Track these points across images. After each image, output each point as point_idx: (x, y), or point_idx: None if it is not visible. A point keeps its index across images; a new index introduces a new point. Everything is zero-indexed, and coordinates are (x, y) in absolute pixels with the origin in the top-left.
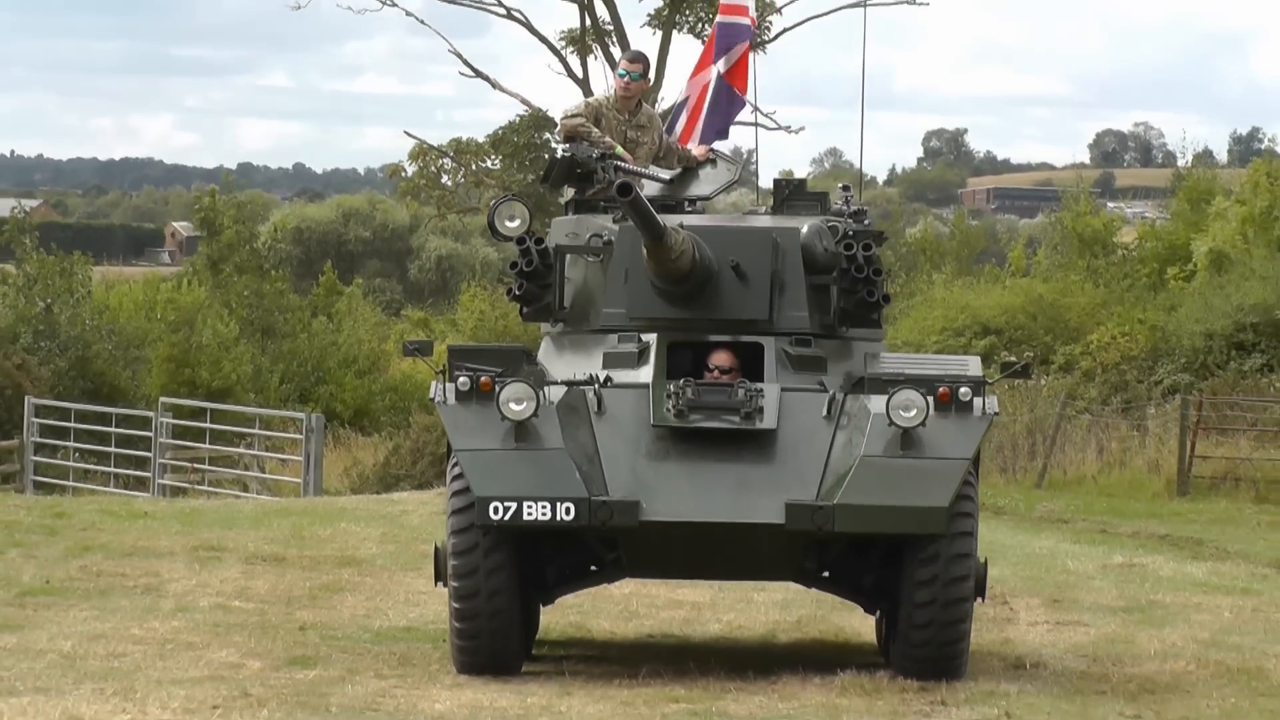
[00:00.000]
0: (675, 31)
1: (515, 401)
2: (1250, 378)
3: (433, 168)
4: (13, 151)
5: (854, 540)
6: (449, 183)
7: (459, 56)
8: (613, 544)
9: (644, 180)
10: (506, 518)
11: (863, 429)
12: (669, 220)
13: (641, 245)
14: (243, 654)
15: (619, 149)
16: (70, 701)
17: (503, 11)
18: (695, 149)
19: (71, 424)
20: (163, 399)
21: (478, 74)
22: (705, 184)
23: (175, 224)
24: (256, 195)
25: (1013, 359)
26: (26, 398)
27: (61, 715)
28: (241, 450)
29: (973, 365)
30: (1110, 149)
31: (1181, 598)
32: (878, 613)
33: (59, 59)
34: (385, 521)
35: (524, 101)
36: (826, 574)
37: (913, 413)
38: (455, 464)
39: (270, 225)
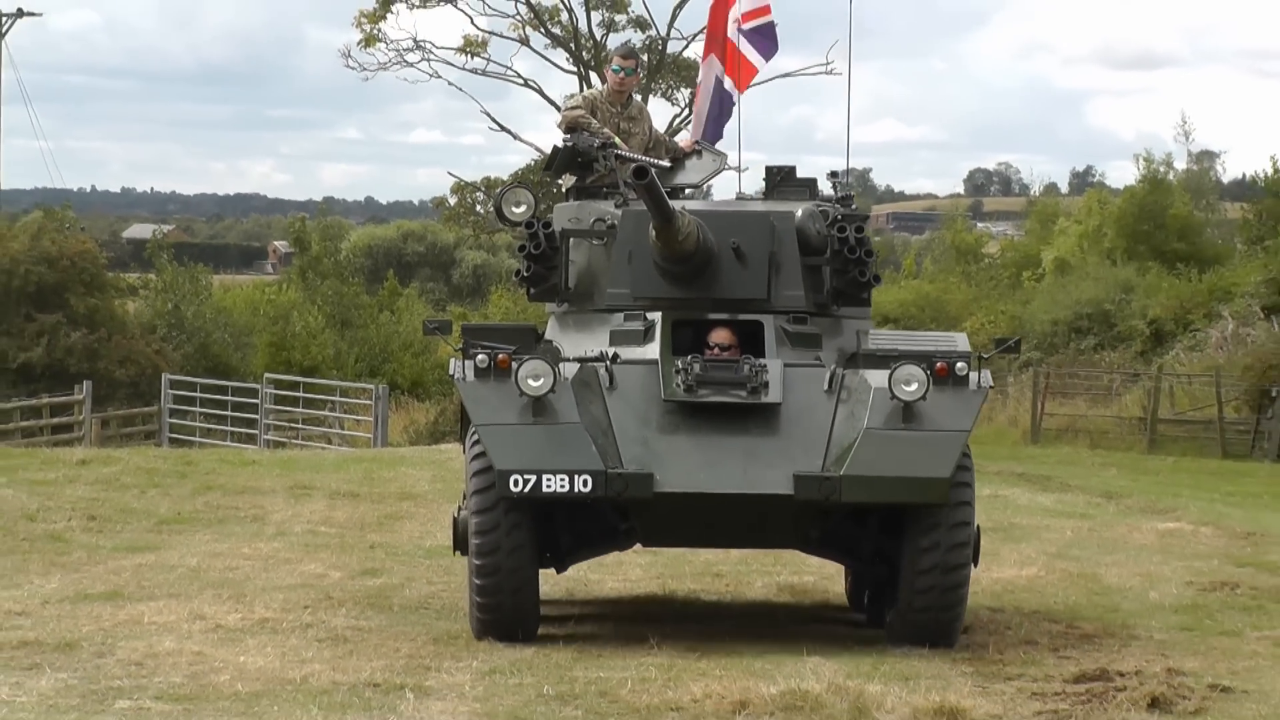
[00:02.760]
0: (651, 96)
1: (533, 378)
2: (1085, 354)
3: (469, 199)
4: (152, 188)
5: (856, 509)
6: (481, 210)
7: (488, 115)
8: (626, 513)
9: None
10: (526, 489)
11: (864, 402)
12: (674, 204)
13: (645, 228)
14: (326, 566)
15: (616, 139)
16: (195, 604)
17: (520, 81)
18: (682, 141)
19: (197, 394)
20: (266, 374)
21: (502, 128)
22: (692, 173)
23: (276, 242)
24: (336, 220)
25: (1005, 336)
26: (163, 374)
27: (189, 615)
28: (325, 413)
29: (960, 341)
30: (979, 182)
31: (1034, 520)
32: (847, 573)
33: (187, 118)
34: (435, 466)
35: (537, 149)
36: (828, 541)
37: (914, 386)
38: (475, 438)
39: (347, 243)
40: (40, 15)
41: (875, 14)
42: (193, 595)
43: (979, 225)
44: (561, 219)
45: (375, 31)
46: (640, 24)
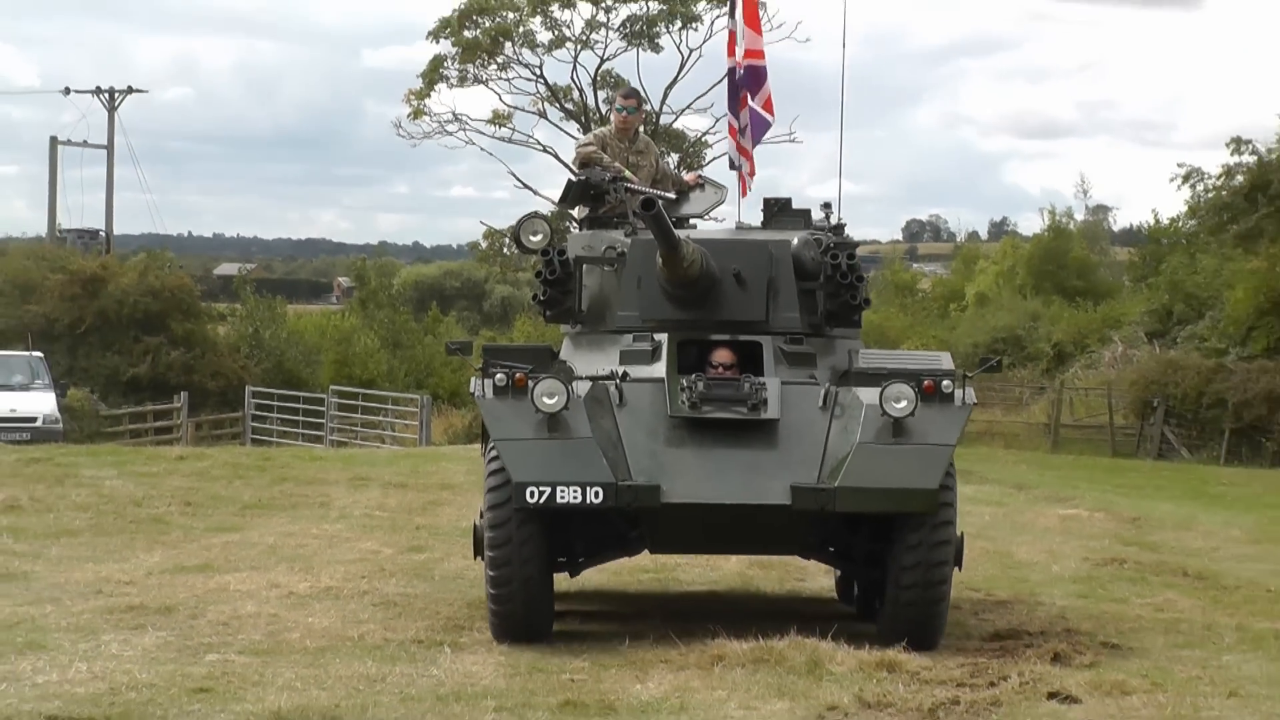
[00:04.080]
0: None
1: (548, 395)
2: (1001, 371)
3: (497, 243)
4: (238, 234)
5: (849, 518)
6: (508, 252)
7: (514, 175)
8: (635, 522)
9: (671, 197)
10: (541, 501)
11: (857, 418)
12: (679, 234)
13: (652, 255)
14: (380, 544)
15: (626, 172)
16: (272, 575)
17: (540, 148)
18: (686, 175)
19: (274, 402)
20: (331, 386)
21: (525, 185)
22: (696, 205)
23: (339, 278)
24: (389, 261)
25: (989, 356)
26: (246, 386)
27: (266, 583)
28: (380, 418)
29: (945, 360)
30: (914, 230)
31: (958, 507)
32: (837, 572)
33: (267, 176)
34: (469, 462)
35: (553, 203)
36: (823, 547)
37: (903, 404)
38: (493, 452)
39: (398, 279)
40: (146, 91)
41: (830, 91)
42: (270, 567)
43: (914, 265)
44: (575, 247)
45: (421, 106)
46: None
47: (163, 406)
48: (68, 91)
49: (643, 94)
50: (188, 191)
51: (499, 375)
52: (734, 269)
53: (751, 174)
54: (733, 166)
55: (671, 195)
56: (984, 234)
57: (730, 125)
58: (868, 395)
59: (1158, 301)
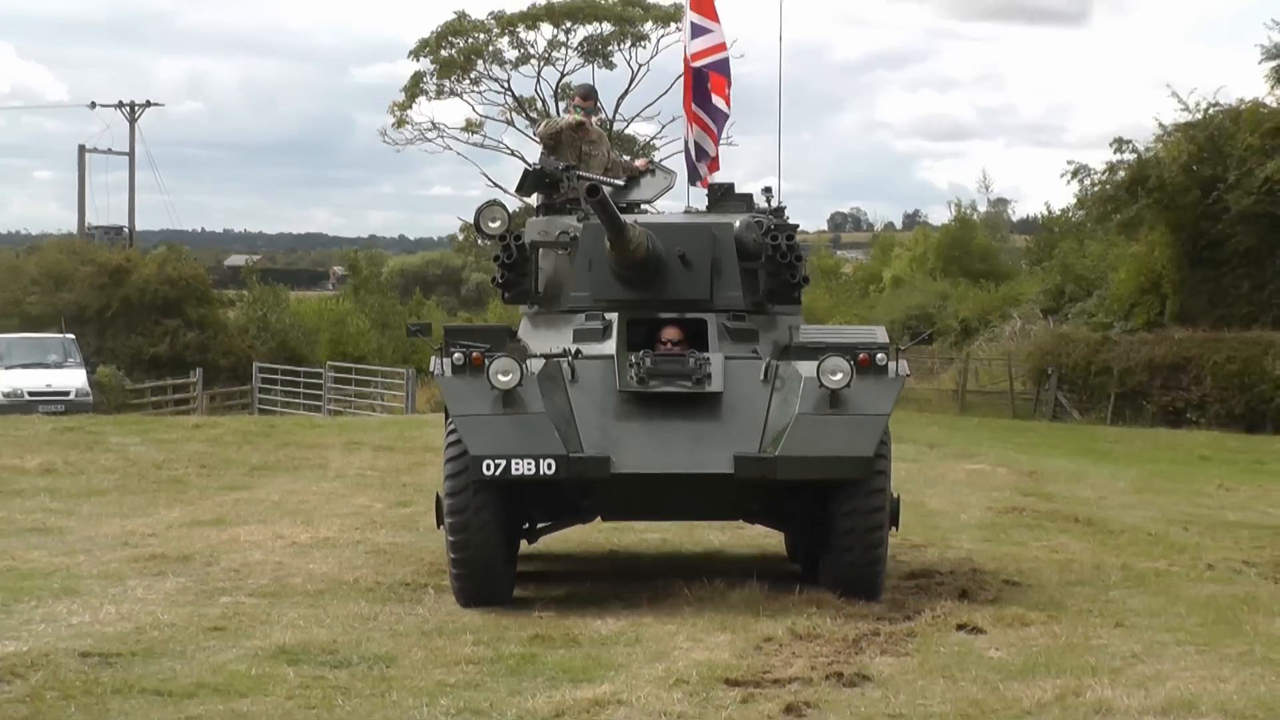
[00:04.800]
0: None
1: (502, 373)
2: (931, 345)
3: (473, 236)
4: (245, 229)
5: (790, 484)
6: (481, 244)
7: (486, 176)
8: (587, 492)
9: (620, 184)
10: (497, 473)
11: (796, 390)
12: (626, 219)
13: (602, 239)
14: (371, 499)
15: (592, 156)
16: (276, 527)
17: (509, 151)
18: (637, 162)
19: (278, 377)
20: (328, 362)
21: (495, 185)
22: (646, 190)
23: (334, 268)
24: (378, 252)
25: (920, 331)
26: (254, 363)
27: (272, 535)
28: (371, 390)
29: (879, 334)
30: (838, 221)
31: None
32: (785, 533)
33: (270, 178)
34: None
35: (522, 200)
36: (766, 512)
37: (839, 376)
38: (452, 427)
39: (386, 268)
40: (163, 105)
41: (760, 100)
42: (275, 521)
43: (838, 253)
44: (531, 232)
45: (404, 116)
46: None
47: (180, 381)
48: (94, 105)
49: (597, 91)
50: (200, 192)
51: (457, 355)
52: (679, 250)
53: (715, 167)
54: (699, 158)
55: (620, 182)
56: (899, 224)
57: (696, 117)
58: (806, 368)
59: (1051, 282)
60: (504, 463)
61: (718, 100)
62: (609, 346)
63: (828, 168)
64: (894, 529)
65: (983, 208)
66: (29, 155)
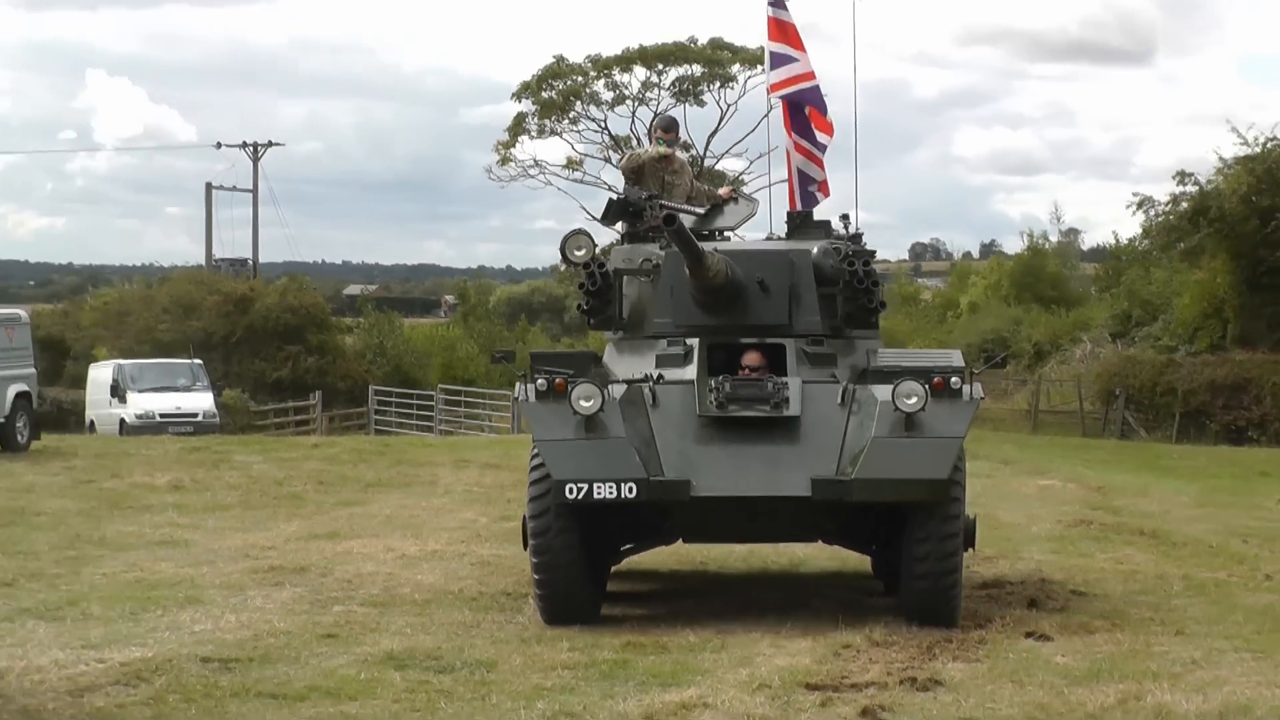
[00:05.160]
0: None
1: (584, 399)
2: (1005, 368)
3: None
4: (362, 260)
5: (866, 506)
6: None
7: (585, 210)
8: (668, 514)
9: (680, 215)
10: (580, 496)
11: (872, 414)
12: (705, 246)
13: (684, 266)
14: (477, 514)
15: (670, 181)
16: (387, 541)
17: (606, 187)
18: (720, 190)
19: (392, 399)
20: (440, 385)
21: (595, 219)
22: (729, 218)
23: (446, 296)
24: (487, 282)
25: (995, 354)
26: (370, 386)
27: (383, 547)
28: (479, 410)
29: (955, 358)
30: (918, 251)
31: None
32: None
33: (386, 213)
34: None
35: (619, 232)
36: (843, 534)
37: (914, 400)
38: (536, 451)
39: (494, 297)
40: (284, 145)
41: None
42: (386, 534)
43: (918, 280)
44: (616, 260)
45: (508, 155)
46: (685, 146)
47: (301, 403)
48: (220, 146)
49: (679, 123)
50: (320, 227)
51: (540, 380)
52: (758, 277)
53: (826, 191)
54: (806, 185)
55: (700, 211)
56: (976, 254)
57: (799, 145)
58: (882, 392)
59: (1119, 308)
60: (586, 486)
61: (822, 137)
62: (690, 371)
63: (907, 200)
64: (970, 549)
65: (1054, 237)
66: (161, 192)
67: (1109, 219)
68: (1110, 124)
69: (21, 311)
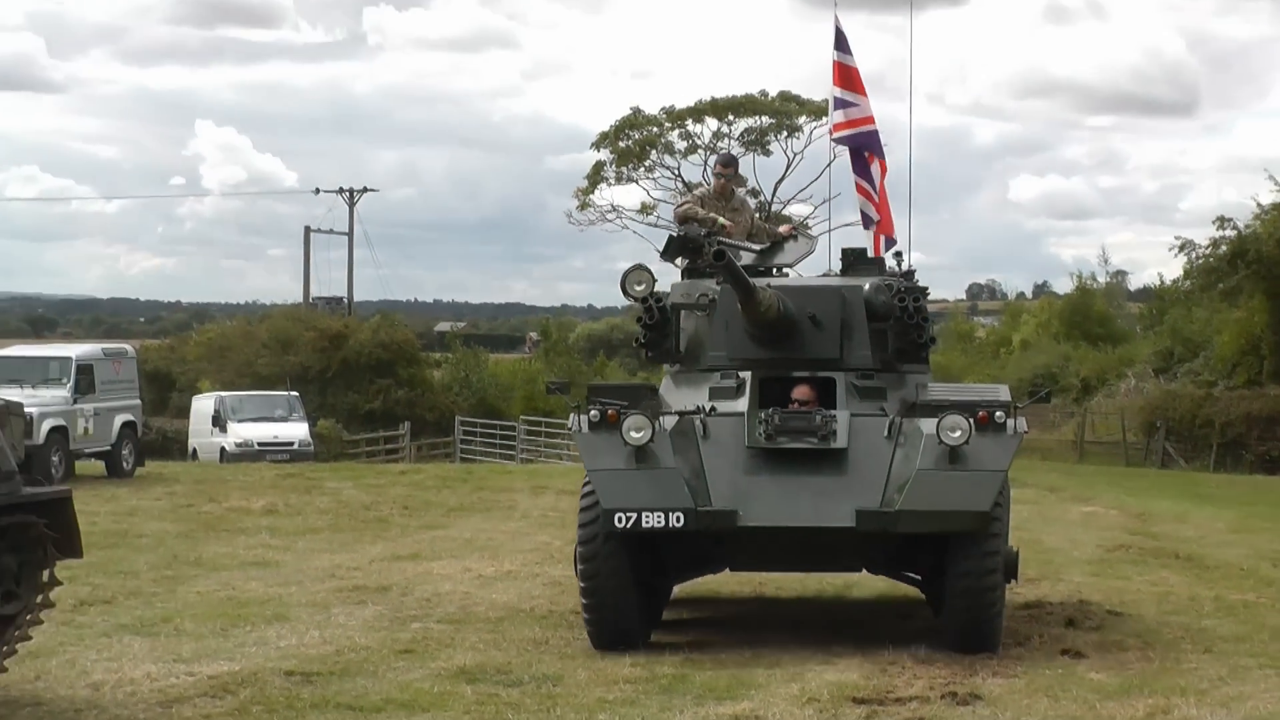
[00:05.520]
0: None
1: (635, 430)
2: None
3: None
4: (452, 299)
5: (910, 537)
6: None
7: (656, 250)
8: (717, 542)
9: (740, 251)
10: (629, 525)
11: (917, 446)
12: (760, 281)
13: (737, 301)
14: (551, 537)
15: (721, 219)
16: (466, 562)
17: (680, 233)
18: (781, 227)
19: (477, 430)
20: (521, 416)
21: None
22: (789, 254)
23: (530, 333)
24: (569, 320)
25: (1037, 388)
26: (456, 417)
27: (461, 568)
28: (559, 440)
29: (1002, 392)
30: (975, 290)
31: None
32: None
33: (473, 255)
34: None
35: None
36: (889, 564)
37: (958, 434)
38: (587, 480)
39: (574, 334)
40: (379, 190)
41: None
42: (465, 556)
43: (974, 318)
44: (674, 295)
45: (587, 200)
46: (753, 193)
47: (390, 433)
48: (318, 191)
49: (738, 159)
50: (412, 267)
51: (593, 412)
52: (810, 312)
53: (889, 231)
54: (866, 226)
55: (755, 248)
56: (1029, 293)
57: (860, 187)
58: (928, 425)
59: (1162, 345)
60: (635, 515)
61: (875, 173)
62: (742, 404)
63: (966, 243)
64: (1012, 580)
65: (1102, 278)
66: (264, 235)
67: (1154, 261)
68: (1157, 171)
69: (128, 347)
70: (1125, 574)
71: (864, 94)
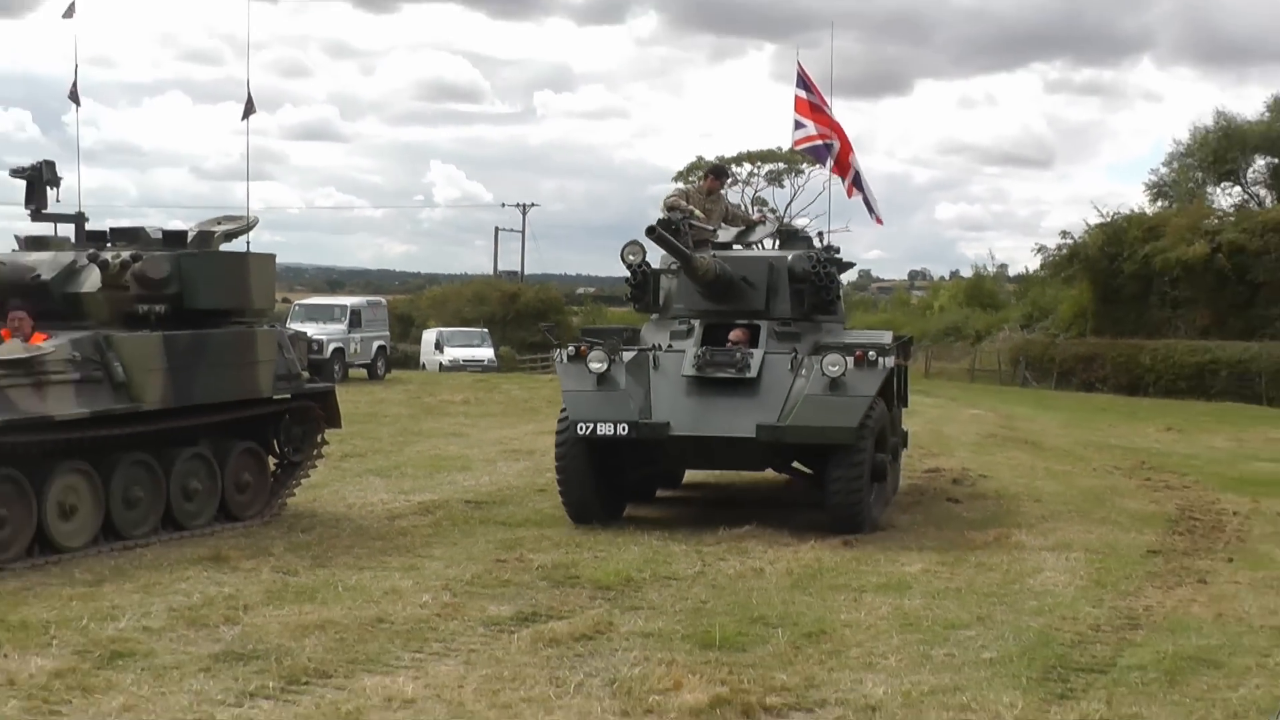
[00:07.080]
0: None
1: (595, 362)
2: (911, 345)
3: None
4: (587, 274)
5: (798, 445)
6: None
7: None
8: (655, 446)
9: (717, 231)
10: (589, 433)
11: (809, 377)
12: (703, 251)
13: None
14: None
15: (696, 211)
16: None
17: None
18: (754, 214)
19: None
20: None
21: None
22: (758, 233)
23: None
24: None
25: (902, 335)
26: None
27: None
28: None
29: (885, 337)
30: (913, 275)
31: (901, 429)
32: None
33: (600, 247)
34: None
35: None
36: (785, 466)
37: (836, 368)
38: (563, 400)
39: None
40: (540, 205)
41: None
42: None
43: (911, 291)
44: (656, 262)
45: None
46: (771, 210)
47: (544, 356)
48: (504, 205)
49: (727, 171)
50: (561, 252)
51: (570, 349)
52: (743, 275)
53: (878, 219)
54: (871, 211)
55: (710, 226)
56: (946, 276)
57: (849, 187)
58: (819, 362)
59: (1025, 310)
60: (593, 425)
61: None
62: (691, 344)
63: (908, 245)
64: (905, 448)
65: (991, 269)
66: (470, 231)
67: (1023, 258)
68: (1027, 202)
69: (382, 299)
70: (992, 452)
71: (812, 118)
